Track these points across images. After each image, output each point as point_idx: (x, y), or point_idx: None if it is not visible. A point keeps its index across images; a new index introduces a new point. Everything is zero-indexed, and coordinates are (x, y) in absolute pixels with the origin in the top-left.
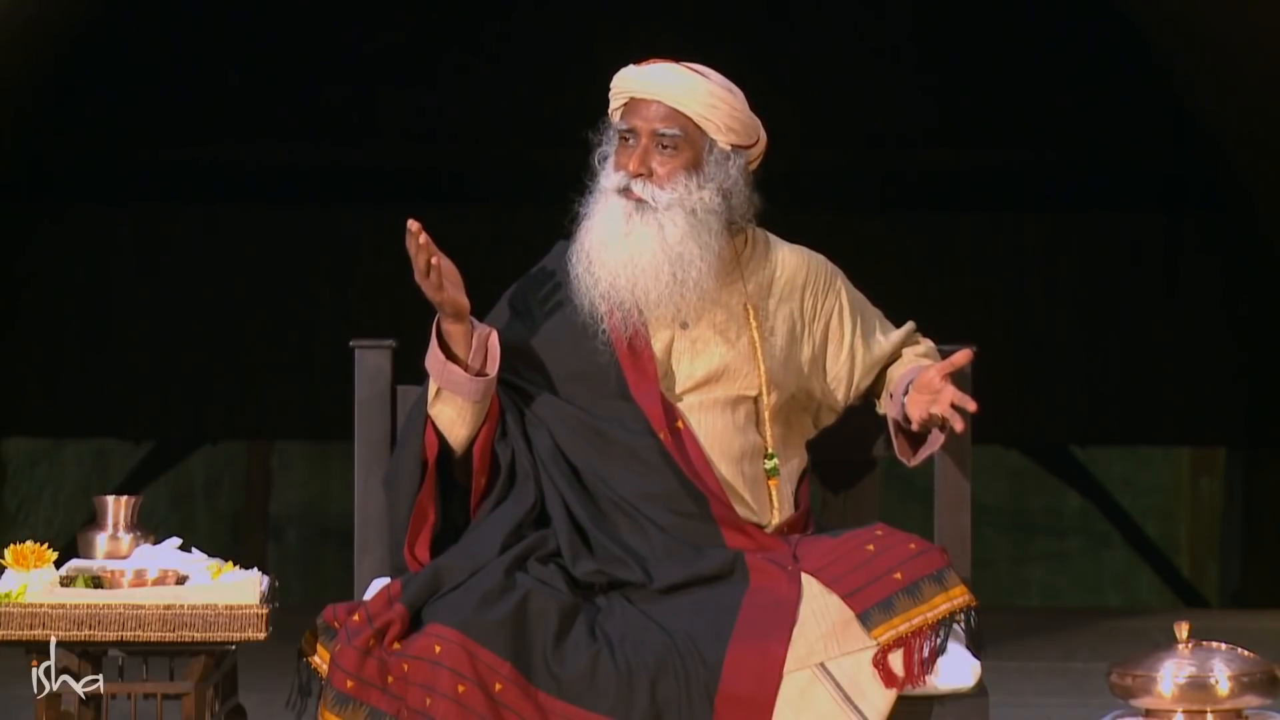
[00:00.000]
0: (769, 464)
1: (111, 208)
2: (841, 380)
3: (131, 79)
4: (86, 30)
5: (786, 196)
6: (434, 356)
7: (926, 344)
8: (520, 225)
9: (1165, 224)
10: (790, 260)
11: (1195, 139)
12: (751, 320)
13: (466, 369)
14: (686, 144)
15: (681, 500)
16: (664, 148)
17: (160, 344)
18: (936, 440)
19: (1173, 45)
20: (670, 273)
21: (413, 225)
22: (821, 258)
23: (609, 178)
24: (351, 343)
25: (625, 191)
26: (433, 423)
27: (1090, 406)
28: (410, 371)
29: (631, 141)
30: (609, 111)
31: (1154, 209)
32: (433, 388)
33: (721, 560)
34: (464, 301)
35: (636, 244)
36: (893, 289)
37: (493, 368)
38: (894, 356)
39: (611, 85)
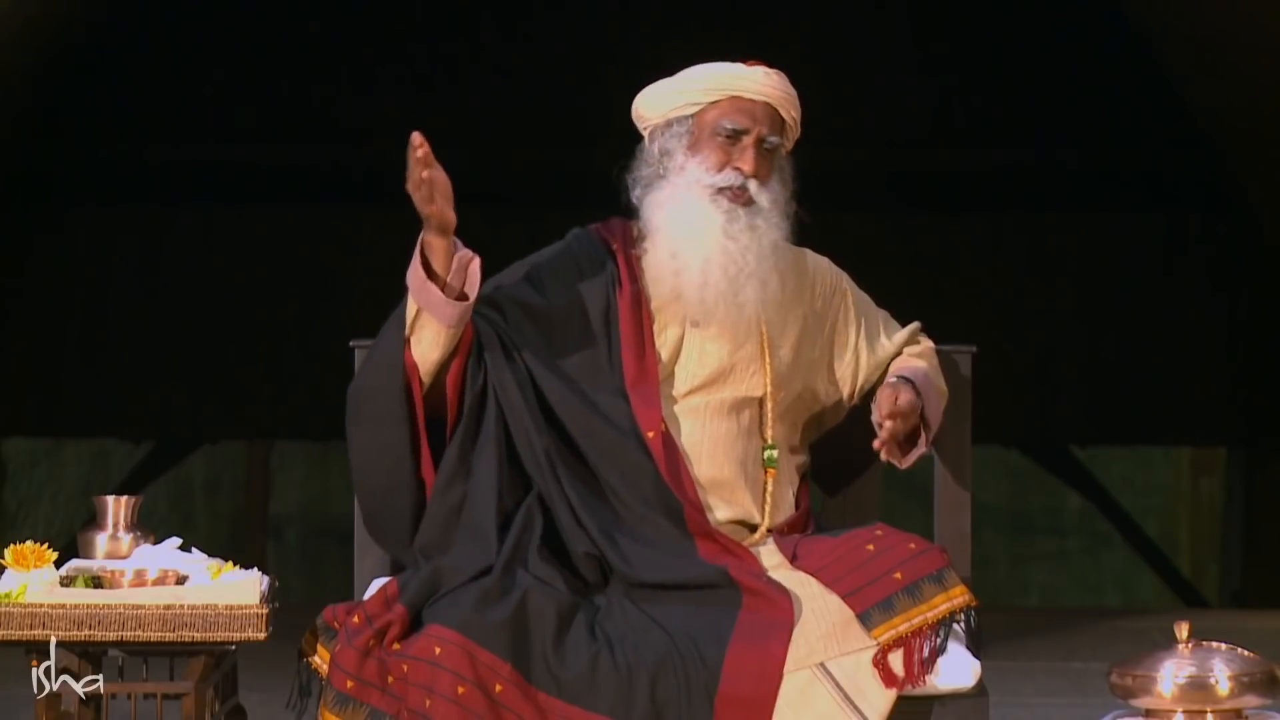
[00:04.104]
0: (768, 454)
1: (111, 208)
2: (846, 381)
3: (131, 79)
4: (86, 31)
5: (793, 219)
6: (415, 273)
7: (927, 344)
8: (523, 227)
9: (1165, 224)
10: (798, 263)
11: (1195, 139)
12: (760, 321)
13: (445, 288)
14: (780, 148)
15: (656, 505)
16: (766, 150)
17: (160, 344)
18: (925, 442)
19: (1173, 45)
20: (762, 282)
21: (415, 138)
22: (827, 260)
23: (707, 174)
24: (351, 343)
25: (736, 191)
26: (409, 346)
27: (1090, 406)
28: None
29: (739, 140)
30: (683, 104)
31: (1154, 209)
32: (411, 309)
33: (701, 571)
34: (451, 216)
35: (739, 246)
36: (893, 289)
37: (472, 292)
38: (896, 357)
39: (700, 78)
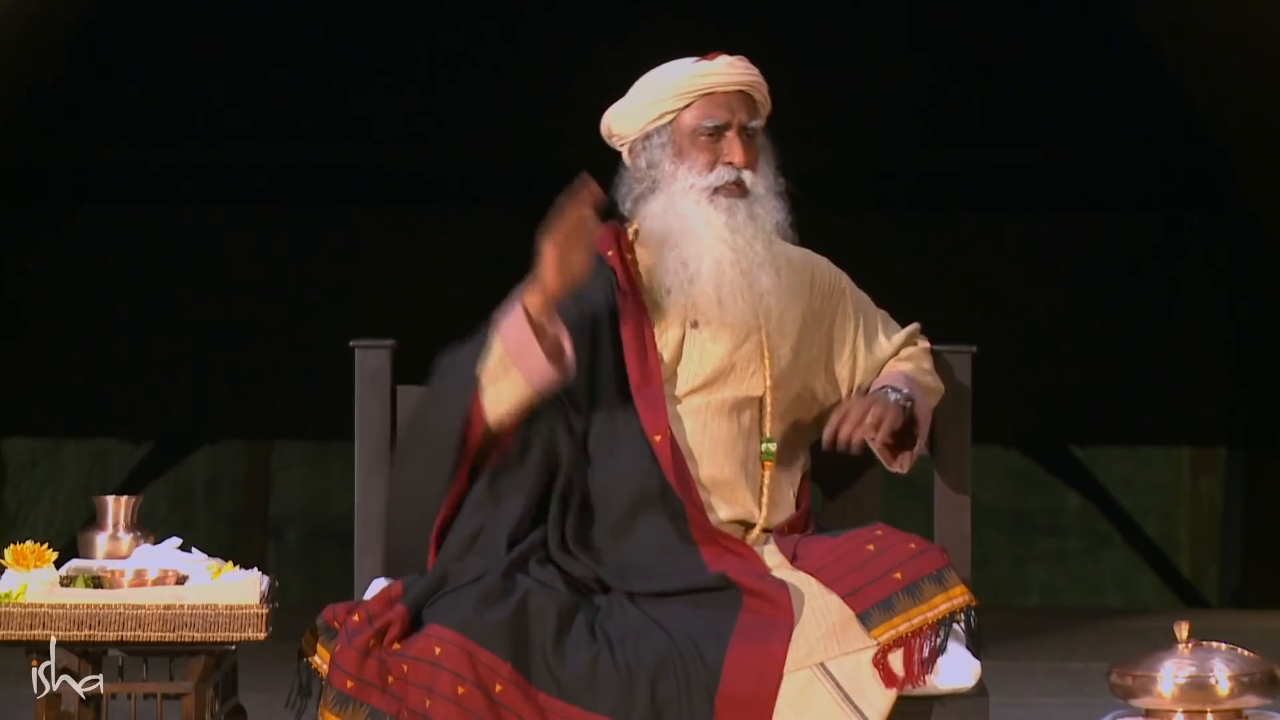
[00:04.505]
0: (765, 447)
1: (111, 208)
2: (844, 381)
3: (132, 79)
4: (87, 31)
5: (785, 197)
6: (517, 327)
7: (923, 345)
8: (523, 227)
9: (1165, 224)
10: (797, 261)
11: (1195, 139)
12: (760, 320)
13: (544, 348)
14: (759, 129)
15: (661, 511)
16: (749, 136)
17: (160, 344)
18: (916, 443)
19: (1172, 45)
20: (775, 268)
21: (585, 193)
22: (826, 260)
23: (700, 177)
24: (351, 343)
25: (731, 187)
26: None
27: (1090, 406)
28: (410, 371)
29: (723, 135)
30: (657, 114)
31: (1154, 209)
32: (497, 356)
33: (703, 578)
34: (564, 293)
35: (746, 239)
36: (892, 289)
37: (564, 358)
38: (894, 357)
39: (670, 84)
